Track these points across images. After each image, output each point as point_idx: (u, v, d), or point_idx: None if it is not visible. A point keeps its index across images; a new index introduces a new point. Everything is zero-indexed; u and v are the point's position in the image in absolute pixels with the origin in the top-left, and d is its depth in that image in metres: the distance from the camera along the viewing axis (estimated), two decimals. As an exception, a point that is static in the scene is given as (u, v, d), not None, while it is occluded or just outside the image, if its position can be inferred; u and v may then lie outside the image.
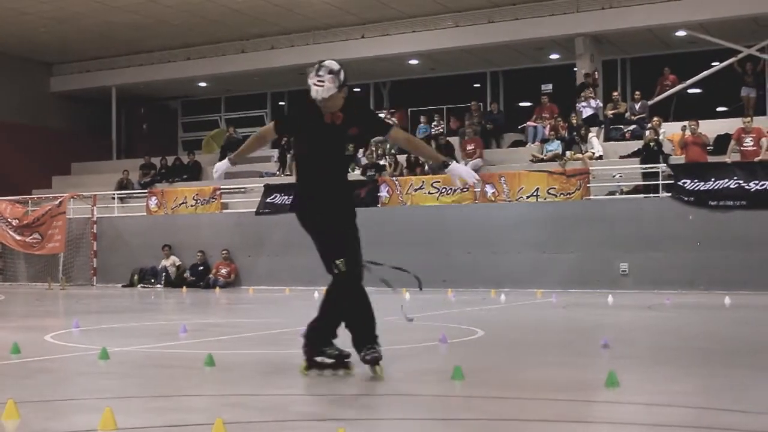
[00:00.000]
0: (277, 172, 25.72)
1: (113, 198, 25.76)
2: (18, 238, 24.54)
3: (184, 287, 21.98)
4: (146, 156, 28.55)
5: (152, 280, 22.90)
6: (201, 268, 22.63)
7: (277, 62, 28.71)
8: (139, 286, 22.79)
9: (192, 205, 23.69)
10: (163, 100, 35.08)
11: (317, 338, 7.04)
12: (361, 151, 25.14)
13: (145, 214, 24.38)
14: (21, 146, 29.82)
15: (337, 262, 6.72)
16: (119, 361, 8.02)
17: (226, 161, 7.62)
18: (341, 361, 7.01)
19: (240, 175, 25.82)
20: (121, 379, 7.19)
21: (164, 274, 22.88)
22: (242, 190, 24.09)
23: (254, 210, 22.67)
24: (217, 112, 34.51)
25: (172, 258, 23.13)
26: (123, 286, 23.01)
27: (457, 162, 6.85)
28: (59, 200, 24.28)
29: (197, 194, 23.74)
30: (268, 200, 22.57)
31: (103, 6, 25.37)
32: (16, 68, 31.32)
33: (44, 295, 19.79)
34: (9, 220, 24.72)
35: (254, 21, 26.86)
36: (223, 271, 22.26)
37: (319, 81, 6.69)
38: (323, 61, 6.88)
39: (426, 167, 22.67)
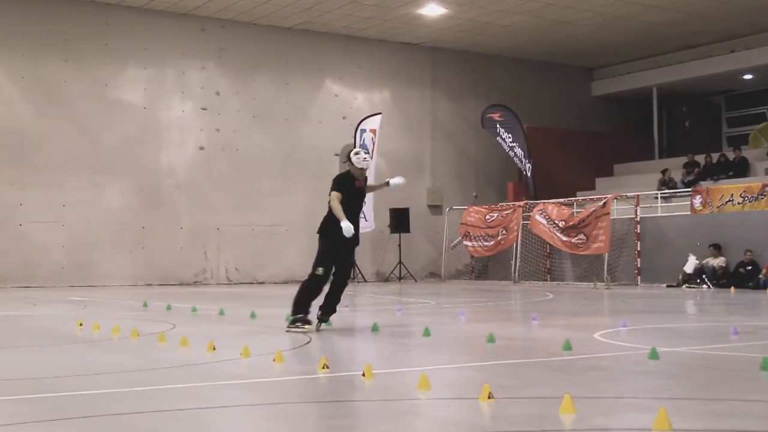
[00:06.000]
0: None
1: (656, 198, 25.63)
2: (564, 239, 25.38)
3: (732, 288, 21.19)
4: (689, 154, 28.05)
5: (698, 281, 22.39)
6: (749, 267, 21.68)
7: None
8: (684, 286, 22.41)
9: (739, 203, 22.77)
10: (706, 96, 34.30)
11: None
12: None
13: (689, 213, 23.91)
14: (565, 150, 30.88)
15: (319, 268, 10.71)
16: (669, 361, 7.90)
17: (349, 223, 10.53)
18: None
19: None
20: (671, 380, 7.08)
21: (711, 274, 22.25)
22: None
23: (809, 206, 21.21)
24: (764, 105, 32.93)
25: (720, 258, 22.44)
26: (667, 286, 22.77)
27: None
28: (603, 201, 24.69)
29: (744, 191, 22.74)
30: (823, 195, 20.99)
31: (643, 7, 25.41)
32: (559, 75, 32.65)
33: (590, 295, 20.21)
34: (555, 221, 25.66)
35: (804, 4, 25.20)
36: (774, 271, 21.12)
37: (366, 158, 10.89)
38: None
39: None
